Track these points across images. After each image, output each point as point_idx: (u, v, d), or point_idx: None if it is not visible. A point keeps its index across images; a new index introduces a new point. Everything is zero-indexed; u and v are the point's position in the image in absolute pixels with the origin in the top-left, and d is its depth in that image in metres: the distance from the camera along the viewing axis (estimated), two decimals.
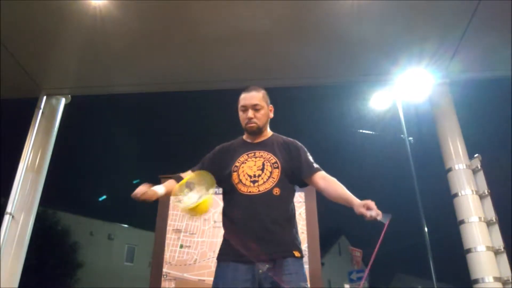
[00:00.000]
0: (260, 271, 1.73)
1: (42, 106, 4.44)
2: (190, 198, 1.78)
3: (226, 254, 1.86)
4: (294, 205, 1.97)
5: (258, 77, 4.30)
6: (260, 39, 3.88)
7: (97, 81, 4.58)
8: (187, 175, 1.95)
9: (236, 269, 1.77)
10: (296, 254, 1.82)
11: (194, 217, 1.69)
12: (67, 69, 4.37)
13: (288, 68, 4.34)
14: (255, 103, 1.99)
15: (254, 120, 1.99)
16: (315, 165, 1.98)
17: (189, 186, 1.81)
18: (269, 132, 2.10)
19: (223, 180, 1.97)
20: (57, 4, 3.49)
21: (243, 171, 1.92)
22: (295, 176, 1.98)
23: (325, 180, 1.93)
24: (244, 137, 2.10)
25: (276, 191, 1.87)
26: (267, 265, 1.73)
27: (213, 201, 1.77)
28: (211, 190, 1.78)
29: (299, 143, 2.07)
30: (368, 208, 1.68)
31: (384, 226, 1.67)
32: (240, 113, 2.04)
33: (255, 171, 1.91)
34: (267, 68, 4.30)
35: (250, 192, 1.87)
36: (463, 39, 3.79)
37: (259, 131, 2.03)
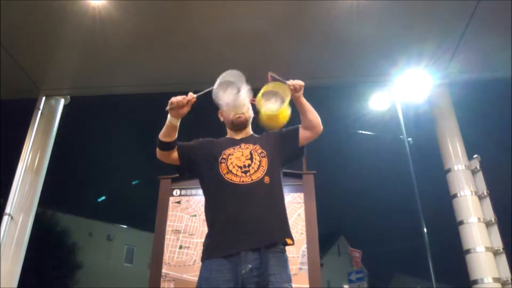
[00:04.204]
0: (243, 271, 1.73)
1: (41, 107, 4.43)
2: (272, 107, 1.86)
3: (213, 250, 1.83)
4: (283, 193, 2.00)
5: (258, 77, 4.28)
6: (260, 39, 3.88)
7: (96, 82, 4.57)
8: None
9: (219, 269, 1.76)
10: (289, 241, 1.84)
11: (272, 125, 1.79)
12: (66, 70, 4.37)
13: (288, 69, 4.33)
14: None
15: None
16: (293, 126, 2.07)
17: (267, 96, 1.89)
18: (251, 131, 2.16)
19: (207, 170, 1.97)
20: (57, 4, 3.48)
21: (231, 163, 1.94)
22: (284, 155, 2.04)
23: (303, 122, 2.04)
24: (228, 135, 2.16)
25: (267, 179, 1.90)
26: (249, 266, 1.73)
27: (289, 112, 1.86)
28: (287, 100, 1.84)
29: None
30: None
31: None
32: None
33: (244, 161, 1.94)
34: (267, 68, 4.28)
35: (243, 182, 1.88)
36: (462, 39, 3.79)
37: (246, 123, 2.10)
